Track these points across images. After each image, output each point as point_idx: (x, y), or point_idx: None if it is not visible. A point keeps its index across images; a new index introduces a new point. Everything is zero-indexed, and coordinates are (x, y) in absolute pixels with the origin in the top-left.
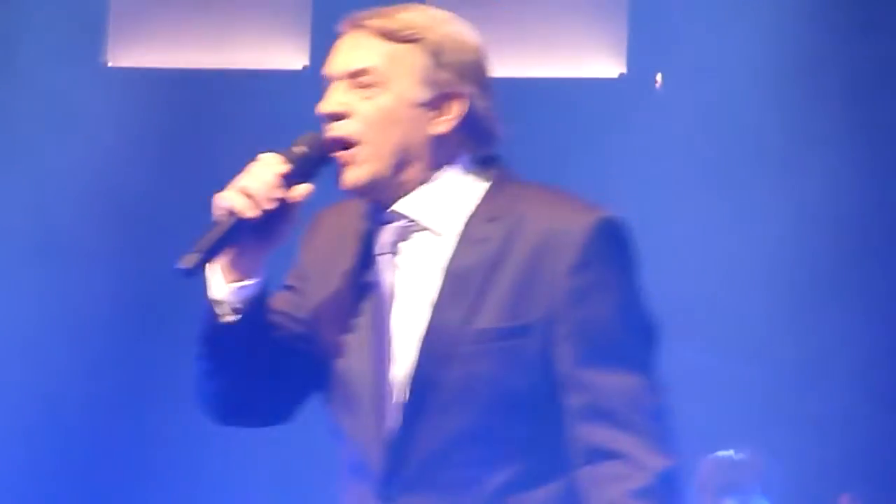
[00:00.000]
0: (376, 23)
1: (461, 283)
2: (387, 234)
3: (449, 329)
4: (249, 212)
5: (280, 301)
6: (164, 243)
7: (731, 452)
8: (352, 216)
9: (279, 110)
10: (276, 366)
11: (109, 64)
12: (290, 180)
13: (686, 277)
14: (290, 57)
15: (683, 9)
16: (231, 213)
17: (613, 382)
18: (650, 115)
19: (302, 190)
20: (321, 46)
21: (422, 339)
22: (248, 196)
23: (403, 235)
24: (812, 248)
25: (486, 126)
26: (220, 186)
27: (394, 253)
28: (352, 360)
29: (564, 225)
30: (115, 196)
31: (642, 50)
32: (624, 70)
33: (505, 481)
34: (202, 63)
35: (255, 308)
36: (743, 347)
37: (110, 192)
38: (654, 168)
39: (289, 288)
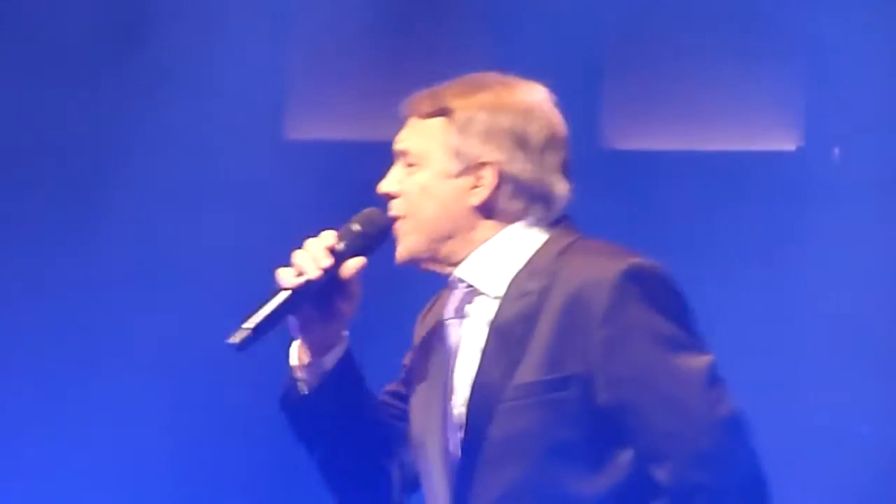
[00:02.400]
0: (421, 102)
1: (503, 339)
2: (453, 300)
3: (492, 385)
4: (288, 282)
5: (397, 381)
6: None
7: None
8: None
9: None
10: (371, 438)
11: (289, 137)
12: (343, 255)
13: (868, 358)
14: None
15: (862, 79)
16: (281, 287)
17: (660, 424)
18: (827, 188)
19: (352, 264)
20: None
21: (469, 401)
22: (295, 268)
23: (468, 300)
24: None
25: (533, 187)
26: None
27: (461, 317)
28: (423, 425)
29: (595, 274)
30: None
31: (820, 122)
32: (801, 143)
33: None
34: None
35: (331, 384)
36: None
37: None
38: (834, 243)
39: (404, 367)
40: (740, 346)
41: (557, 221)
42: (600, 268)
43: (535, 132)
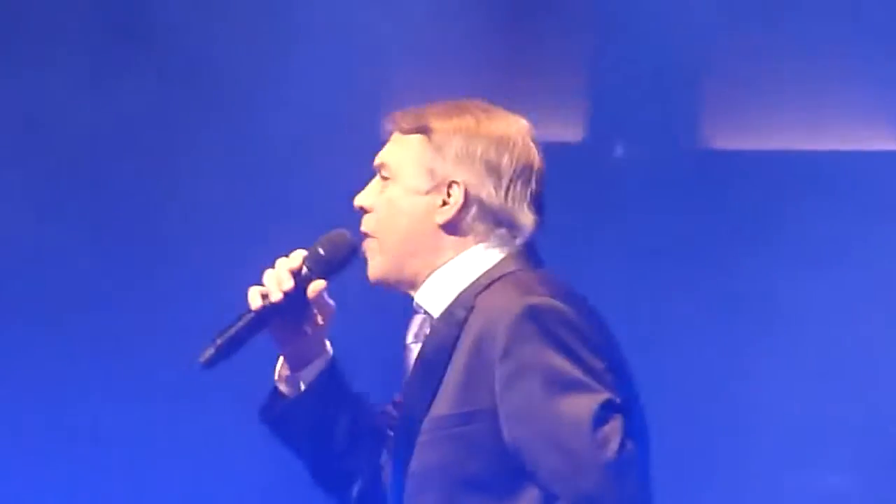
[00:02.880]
0: (404, 118)
1: (425, 370)
2: (414, 324)
3: (412, 416)
4: (256, 303)
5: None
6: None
7: None
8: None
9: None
10: (358, 446)
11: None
12: (307, 277)
13: None
14: (566, 129)
15: None
16: (248, 308)
17: (546, 463)
18: None
19: (314, 287)
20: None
21: (397, 429)
22: (259, 290)
23: (425, 325)
24: None
25: (499, 213)
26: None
27: (418, 342)
28: (389, 449)
29: (498, 313)
30: None
31: None
32: None
33: None
34: None
35: (310, 396)
36: None
37: None
38: None
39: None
40: (843, 345)
41: (520, 253)
42: (504, 304)
43: (507, 161)
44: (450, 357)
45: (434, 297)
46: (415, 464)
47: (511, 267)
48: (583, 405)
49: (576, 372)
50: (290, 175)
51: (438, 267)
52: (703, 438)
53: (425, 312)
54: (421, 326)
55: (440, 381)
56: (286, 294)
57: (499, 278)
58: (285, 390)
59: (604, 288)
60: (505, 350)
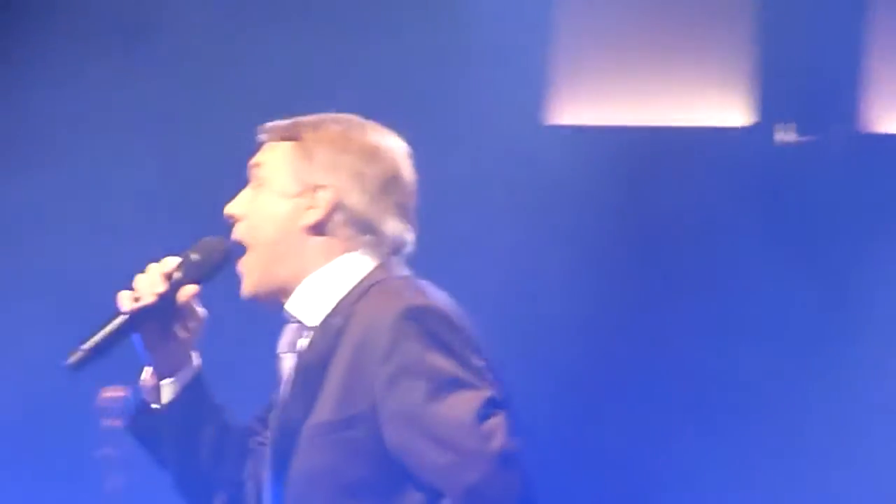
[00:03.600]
0: (278, 127)
1: (304, 376)
2: (287, 333)
3: (291, 423)
4: (127, 306)
5: (265, 407)
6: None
7: None
8: None
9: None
10: (222, 457)
11: (550, 122)
12: (179, 282)
13: None
14: (729, 114)
15: None
16: (119, 311)
17: (433, 460)
18: None
19: (186, 292)
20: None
21: (273, 436)
22: (130, 294)
23: (299, 333)
24: None
25: (364, 221)
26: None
27: (292, 352)
28: (262, 458)
29: (378, 317)
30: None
31: None
32: None
33: None
34: (638, 121)
35: (175, 407)
36: None
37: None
38: None
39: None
40: None
41: (391, 262)
42: (383, 308)
43: (375, 172)
44: (328, 364)
45: (307, 305)
46: (296, 471)
47: (383, 275)
48: (467, 402)
49: (458, 371)
50: None
51: (308, 274)
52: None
53: (297, 321)
54: (294, 335)
55: (320, 388)
56: (158, 297)
57: (373, 285)
58: (150, 399)
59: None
60: (386, 352)
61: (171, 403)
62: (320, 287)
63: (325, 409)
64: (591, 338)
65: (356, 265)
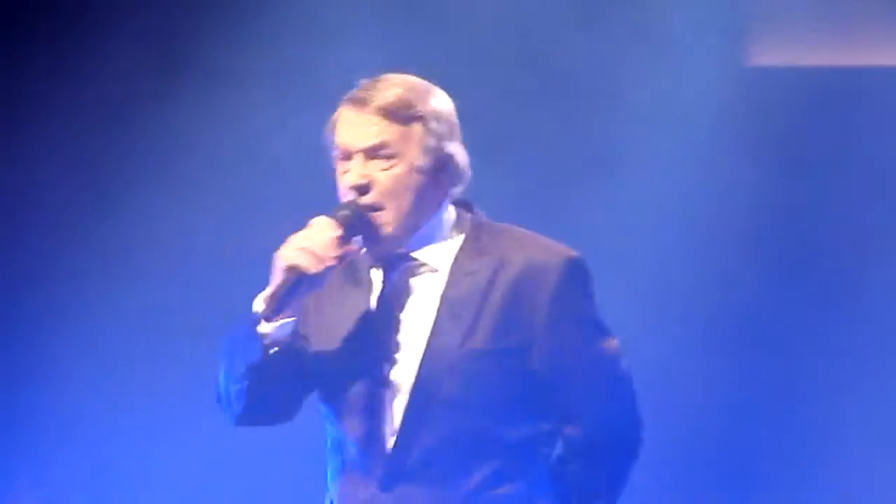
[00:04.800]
0: (380, 103)
1: (456, 310)
2: (396, 273)
3: (447, 349)
4: (314, 268)
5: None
6: None
7: None
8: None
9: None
10: (294, 380)
11: (748, 64)
12: (346, 239)
13: None
14: None
15: None
16: (295, 269)
17: (578, 394)
18: None
19: (354, 248)
20: None
21: (422, 358)
22: (313, 255)
23: (412, 273)
24: None
25: (464, 175)
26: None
27: (402, 287)
28: (361, 373)
29: (543, 259)
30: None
31: None
32: None
33: (486, 476)
34: (833, 61)
35: (290, 340)
36: None
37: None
38: None
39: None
40: None
41: (466, 205)
42: (546, 254)
43: (459, 126)
44: (485, 299)
45: (426, 248)
46: (446, 390)
47: (485, 218)
48: (613, 347)
49: (601, 320)
50: None
51: (428, 222)
52: None
53: (413, 261)
54: (406, 274)
55: (477, 320)
56: (337, 259)
57: (498, 229)
58: (275, 336)
59: None
60: (553, 295)
61: (286, 342)
62: (440, 233)
63: (483, 337)
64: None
65: (449, 210)
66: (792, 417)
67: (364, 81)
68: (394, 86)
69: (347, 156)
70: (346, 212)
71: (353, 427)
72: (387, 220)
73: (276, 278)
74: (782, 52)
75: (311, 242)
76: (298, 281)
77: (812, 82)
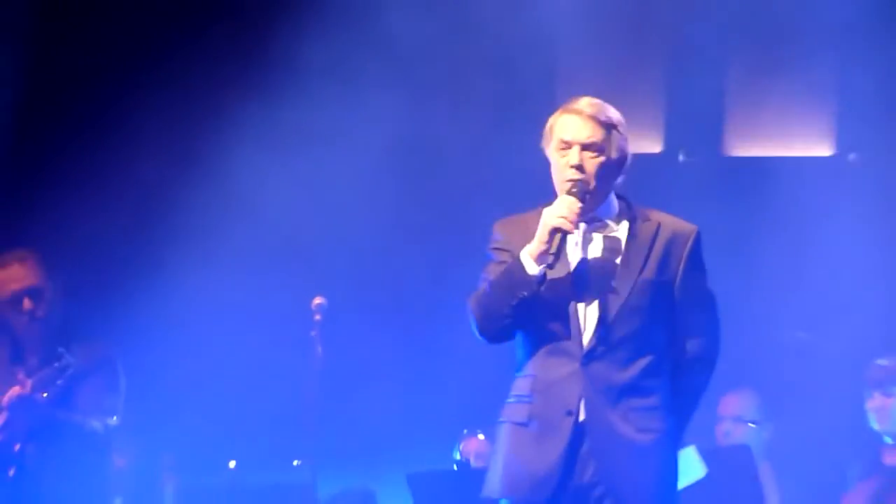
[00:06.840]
0: (594, 113)
1: (635, 255)
2: (589, 229)
3: (630, 278)
4: (570, 228)
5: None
6: None
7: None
8: (529, 221)
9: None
10: (531, 305)
11: None
12: (581, 210)
13: None
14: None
15: None
16: (558, 230)
17: (698, 316)
18: None
19: (584, 215)
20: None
21: (612, 284)
22: (567, 220)
23: (598, 229)
24: None
25: (625, 167)
26: None
27: (590, 238)
28: (566, 297)
29: (682, 227)
30: None
31: None
32: None
33: (644, 366)
34: None
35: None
36: None
37: None
38: None
39: (502, 259)
40: None
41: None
42: (683, 224)
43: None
44: (651, 248)
45: (610, 215)
46: (627, 304)
47: (618, 197)
48: (712, 290)
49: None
50: None
51: (608, 197)
52: None
53: (600, 220)
54: (592, 228)
55: (646, 260)
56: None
57: (642, 206)
58: (538, 276)
59: None
60: (689, 251)
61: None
62: (611, 203)
63: (649, 271)
64: None
65: (618, 191)
66: None
67: (574, 98)
68: (597, 103)
69: (568, 146)
70: (576, 189)
71: (560, 330)
72: (592, 196)
73: (544, 237)
74: None
75: (567, 211)
76: (562, 238)
77: None
